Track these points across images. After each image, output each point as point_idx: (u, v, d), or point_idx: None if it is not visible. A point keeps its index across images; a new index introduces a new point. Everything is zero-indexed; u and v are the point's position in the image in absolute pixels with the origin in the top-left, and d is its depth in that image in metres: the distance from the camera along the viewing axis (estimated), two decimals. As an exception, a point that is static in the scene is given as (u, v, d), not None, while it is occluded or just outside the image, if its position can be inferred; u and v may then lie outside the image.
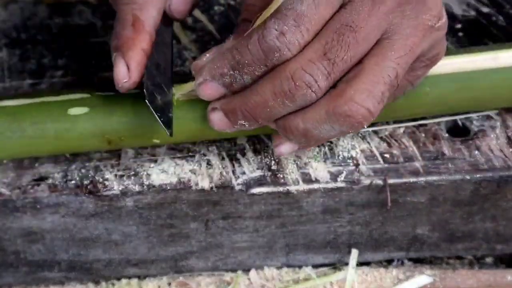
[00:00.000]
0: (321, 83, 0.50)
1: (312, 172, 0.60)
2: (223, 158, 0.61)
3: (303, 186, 0.59)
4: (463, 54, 0.60)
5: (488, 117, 0.64)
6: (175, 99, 0.57)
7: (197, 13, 0.74)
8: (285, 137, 0.55)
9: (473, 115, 0.64)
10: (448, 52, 0.58)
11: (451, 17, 0.74)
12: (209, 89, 0.54)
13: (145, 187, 0.59)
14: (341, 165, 0.60)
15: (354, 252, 0.67)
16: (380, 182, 0.59)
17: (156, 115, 0.53)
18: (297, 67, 0.50)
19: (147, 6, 0.56)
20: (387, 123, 0.63)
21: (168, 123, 0.54)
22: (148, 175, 0.59)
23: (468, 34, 0.71)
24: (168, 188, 0.59)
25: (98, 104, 0.58)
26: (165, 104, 0.55)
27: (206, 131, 0.57)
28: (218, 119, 0.54)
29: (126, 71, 0.54)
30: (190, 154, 0.61)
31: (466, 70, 0.59)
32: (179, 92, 0.57)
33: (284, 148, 0.56)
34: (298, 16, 0.49)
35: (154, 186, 0.59)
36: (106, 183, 0.59)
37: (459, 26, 0.73)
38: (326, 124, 0.51)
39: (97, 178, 0.59)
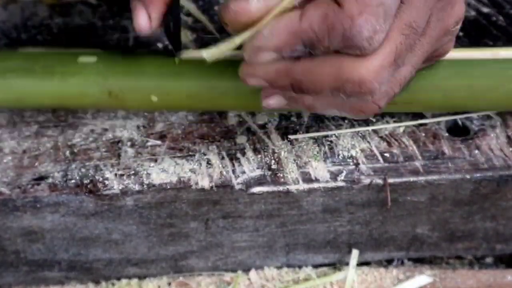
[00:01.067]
0: (382, 88, 0.50)
1: (312, 171, 0.60)
2: (223, 158, 0.61)
3: (303, 186, 0.59)
4: (463, 49, 0.60)
5: (488, 117, 0.64)
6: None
7: (197, 13, 0.74)
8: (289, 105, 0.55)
9: (473, 115, 0.64)
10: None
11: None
12: (272, 101, 0.54)
13: (145, 186, 0.59)
14: (341, 165, 0.60)
15: (355, 252, 0.67)
16: (380, 181, 0.59)
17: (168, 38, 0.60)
18: (368, 73, 0.48)
19: None
20: (387, 122, 0.63)
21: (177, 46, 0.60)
22: (148, 174, 0.59)
23: (468, 34, 0.71)
24: (168, 187, 0.59)
25: (107, 57, 0.61)
26: (176, 35, 0.60)
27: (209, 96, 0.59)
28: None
29: (147, 21, 0.55)
30: (190, 153, 0.61)
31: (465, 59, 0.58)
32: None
33: (273, 100, 0.55)
34: (386, 14, 0.47)
35: (154, 185, 0.59)
36: (106, 182, 0.59)
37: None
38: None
39: (97, 177, 0.59)
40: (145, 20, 0.55)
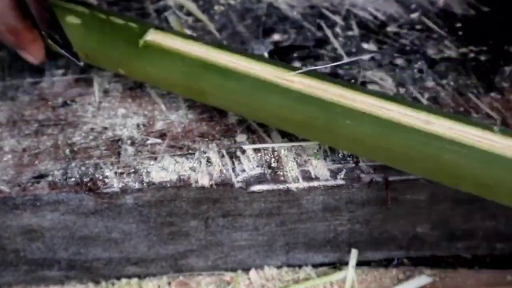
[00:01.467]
0: None
1: (312, 169, 0.60)
2: (223, 156, 0.61)
3: (303, 184, 0.59)
4: (399, 103, 0.55)
5: (488, 115, 0.64)
6: None
7: (197, 13, 0.75)
8: None
9: (473, 114, 0.64)
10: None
11: (451, 16, 0.74)
12: None
13: (145, 184, 0.59)
14: (341, 163, 0.60)
15: (354, 252, 0.67)
16: (380, 179, 0.59)
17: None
18: None
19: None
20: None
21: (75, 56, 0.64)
22: (148, 172, 0.59)
23: (468, 34, 0.71)
24: (168, 185, 0.59)
25: (89, 21, 0.64)
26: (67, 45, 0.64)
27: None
28: None
29: (32, 59, 0.64)
30: (190, 151, 0.61)
31: (395, 121, 0.54)
32: None
33: None
34: None
35: (154, 184, 0.59)
36: (106, 180, 0.59)
37: (459, 25, 0.73)
38: None
39: (97, 175, 0.59)
40: (33, 60, 0.64)
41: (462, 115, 0.55)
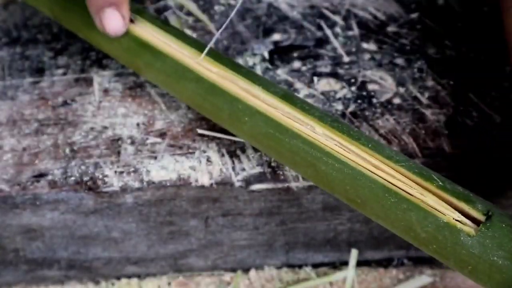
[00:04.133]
0: None
1: (312, 168, 0.60)
2: (223, 155, 0.61)
3: (303, 183, 0.59)
4: (293, 106, 0.56)
5: (488, 115, 0.64)
6: None
7: (197, 12, 0.75)
8: None
9: (473, 113, 0.64)
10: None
11: (451, 16, 0.74)
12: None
13: (144, 183, 0.59)
14: (341, 162, 0.60)
15: (354, 252, 0.67)
16: (380, 179, 0.59)
17: None
18: None
19: None
20: (387, 120, 0.63)
21: None
22: (148, 171, 0.59)
23: (468, 33, 0.72)
24: (168, 184, 0.59)
25: None
26: None
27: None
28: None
29: (123, 21, 0.60)
30: (190, 150, 0.61)
31: (285, 124, 0.55)
32: None
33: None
34: None
35: (153, 183, 0.59)
36: (106, 179, 0.59)
37: (459, 25, 0.73)
38: None
39: (96, 174, 0.59)
40: (120, 23, 0.60)
41: (349, 125, 0.56)
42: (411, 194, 0.50)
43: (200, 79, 0.58)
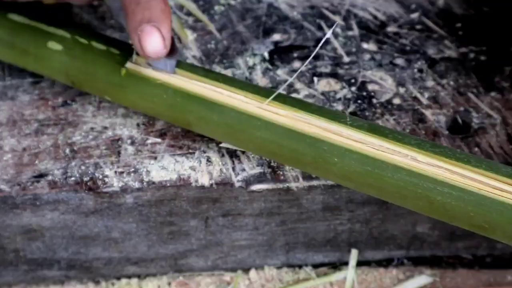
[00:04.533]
0: None
1: (312, 169, 0.60)
2: (223, 155, 0.61)
3: (303, 183, 0.59)
4: (385, 138, 0.53)
5: (488, 115, 0.64)
6: None
7: (197, 13, 0.75)
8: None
9: (473, 113, 0.64)
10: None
11: (451, 16, 0.74)
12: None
13: (144, 183, 0.59)
14: (341, 162, 0.60)
15: (354, 252, 0.67)
16: (380, 179, 0.59)
17: None
18: None
19: None
20: (387, 120, 0.63)
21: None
22: (148, 171, 0.59)
23: (468, 34, 0.72)
24: (168, 184, 0.59)
25: (71, 47, 0.62)
26: None
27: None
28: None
29: (162, 42, 0.54)
30: (190, 151, 0.61)
31: (383, 158, 0.52)
32: None
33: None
34: None
35: (154, 183, 0.59)
36: (106, 179, 0.59)
37: (459, 25, 0.73)
38: None
39: (97, 174, 0.59)
40: (160, 43, 0.54)
41: (452, 149, 0.53)
42: None
43: (271, 125, 0.54)
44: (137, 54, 0.58)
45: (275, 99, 0.55)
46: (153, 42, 0.54)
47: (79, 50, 0.61)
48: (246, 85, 0.57)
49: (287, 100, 0.56)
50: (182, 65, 0.59)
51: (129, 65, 0.59)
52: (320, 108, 0.56)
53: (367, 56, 0.69)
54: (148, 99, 0.58)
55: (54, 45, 0.62)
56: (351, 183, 0.54)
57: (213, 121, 0.56)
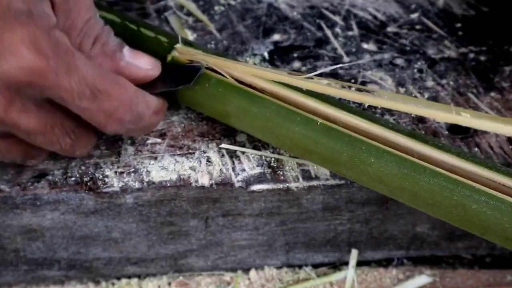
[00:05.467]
0: None
1: (312, 169, 0.60)
2: (223, 155, 0.61)
3: (303, 183, 0.59)
4: (425, 143, 0.54)
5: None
6: None
7: (197, 13, 0.75)
8: None
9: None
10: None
11: (451, 16, 0.74)
12: None
13: (145, 184, 0.59)
14: (341, 162, 0.60)
15: (354, 252, 0.67)
16: (380, 179, 0.59)
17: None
18: None
19: None
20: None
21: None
22: (148, 172, 0.59)
23: (468, 34, 0.72)
24: (168, 185, 0.59)
25: (120, 31, 0.60)
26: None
27: None
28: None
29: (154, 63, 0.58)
30: (190, 151, 0.61)
31: (422, 163, 0.52)
32: None
33: None
34: None
35: (154, 183, 0.59)
36: (106, 180, 0.59)
37: (459, 25, 0.73)
38: None
39: (97, 175, 0.59)
40: (151, 62, 0.57)
41: (491, 161, 0.53)
42: None
43: (309, 120, 0.55)
44: (184, 43, 0.61)
45: (316, 96, 0.56)
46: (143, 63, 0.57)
47: (128, 35, 0.62)
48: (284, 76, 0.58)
49: (327, 98, 0.56)
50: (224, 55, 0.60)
51: (175, 52, 0.61)
52: (361, 111, 0.56)
53: (367, 56, 0.69)
54: (190, 87, 0.59)
55: None
56: (385, 186, 0.53)
57: (252, 113, 0.57)
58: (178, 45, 0.61)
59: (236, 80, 0.58)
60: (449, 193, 0.50)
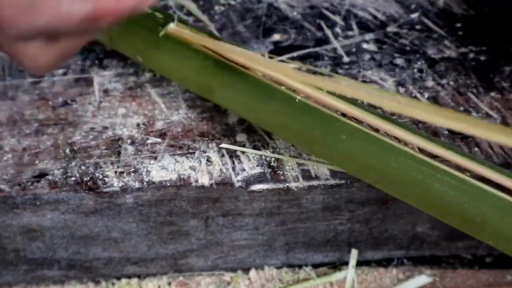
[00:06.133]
0: None
1: (312, 169, 0.60)
2: (223, 155, 0.61)
3: (303, 183, 0.59)
4: (397, 125, 0.54)
5: (488, 115, 0.64)
6: None
7: (197, 13, 0.75)
8: None
9: (473, 113, 0.64)
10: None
11: (451, 16, 0.74)
12: None
13: (145, 183, 0.59)
14: (341, 162, 0.60)
15: (354, 252, 0.67)
16: (380, 179, 0.59)
17: None
18: None
19: None
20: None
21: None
22: (148, 171, 0.59)
23: (468, 34, 0.72)
24: (168, 184, 0.59)
25: None
26: None
27: None
28: None
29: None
30: (190, 151, 0.61)
31: (391, 142, 0.54)
32: None
33: None
34: None
35: (154, 183, 0.59)
36: (106, 179, 0.59)
37: (459, 25, 0.73)
38: None
39: (97, 174, 0.59)
40: None
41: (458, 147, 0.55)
42: None
43: (289, 98, 0.56)
44: (179, 21, 0.62)
45: (300, 74, 0.56)
46: None
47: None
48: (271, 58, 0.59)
49: (310, 77, 0.57)
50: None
51: (168, 28, 0.61)
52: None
53: (367, 56, 0.69)
54: (178, 61, 0.61)
55: None
56: (353, 164, 0.55)
57: (235, 88, 0.58)
58: (169, 27, 0.62)
59: (224, 57, 0.59)
60: (414, 172, 0.51)
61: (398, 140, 0.53)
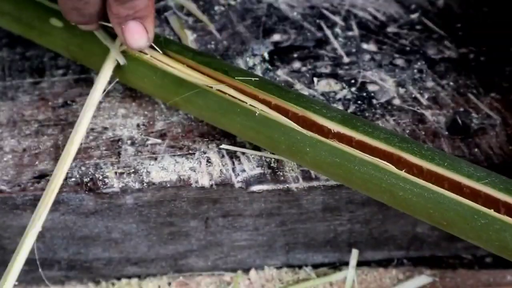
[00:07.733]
0: None
1: (312, 169, 0.60)
2: (223, 156, 0.61)
3: (303, 184, 0.59)
4: (355, 130, 0.54)
5: (488, 115, 0.64)
6: None
7: (197, 13, 0.75)
8: None
9: (473, 114, 0.64)
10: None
11: (451, 16, 0.74)
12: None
13: (145, 184, 0.59)
14: (341, 163, 0.60)
15: (354, 252, 0.67)
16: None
17: None
18: None
19: None
20: (387, 121, 0.63)
21: None
22: (148, 172, 0.59)
23: (468, 34, 0.72)
24: (168, 185, 0.59)
25: (71, 24, 0.61)
26: None
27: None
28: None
29: (146, 35, 0.57)
30: (190, 151, 0.61)
31: (351, 152, 0.53)
32: None
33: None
34: None
35: (154, 184, 0.59)
36: (106, 180, 0.59)
37: (459, 25, 0.73)
38: None
39: (97, 175, 0.59)
40: (144, 37, 0.57)
41: (420, 144, 0.54)
42: (501, 213, 0.48)
43: (249, 112, 0.56)
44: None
45: (256, 85, 0.57)
46: (138, 37, 0.57)
47: (78, 28, 0.62)
48: (231, 69, 0.59)
49: (266, 86, 0.58)
50: (172, 45, 0.62)
51: (123, 47, 0.61)
52: (299, 96, 0.57)
53: (367, 57, 0.69)
54: (139, 78, 0.61)
55: (55, 22, 0.64)
56: (323, 172, 0.56)
57: (198, 105, 0.58)
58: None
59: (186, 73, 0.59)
60: (377, 181, 0.52)
61: (362, 147, 0.53)
